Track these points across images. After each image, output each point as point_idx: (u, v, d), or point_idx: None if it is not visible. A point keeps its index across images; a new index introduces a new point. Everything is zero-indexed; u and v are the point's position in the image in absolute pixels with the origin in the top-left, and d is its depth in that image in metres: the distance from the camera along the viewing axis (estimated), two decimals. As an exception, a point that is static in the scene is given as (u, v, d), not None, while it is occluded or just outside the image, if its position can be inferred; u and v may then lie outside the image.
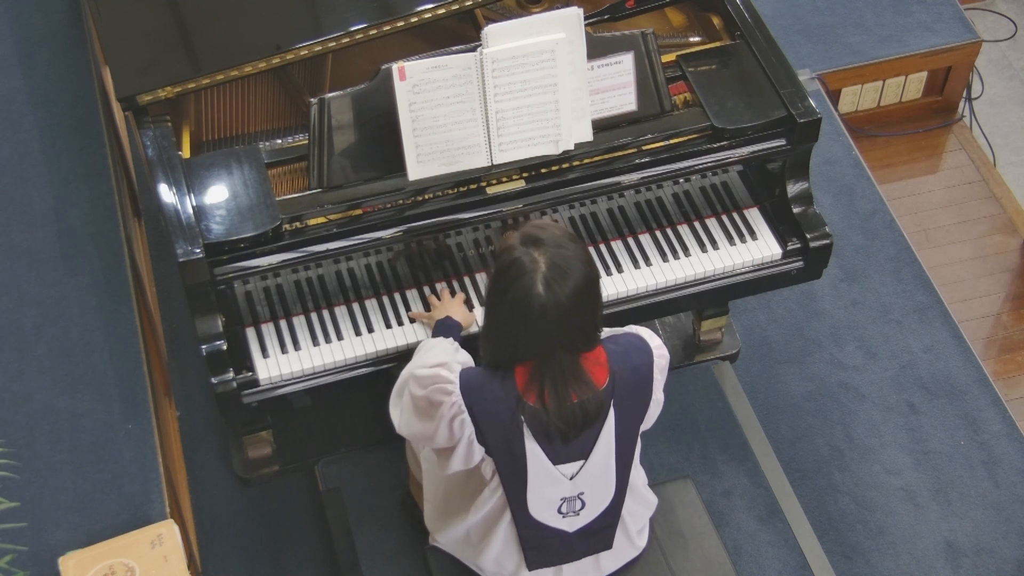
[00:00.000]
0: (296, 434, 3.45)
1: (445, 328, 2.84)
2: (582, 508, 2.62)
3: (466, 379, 2.50)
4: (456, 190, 2.93)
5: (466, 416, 2.48)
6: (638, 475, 2.72)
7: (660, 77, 3.03)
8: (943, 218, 4.32)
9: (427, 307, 3.01)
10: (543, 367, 2.45)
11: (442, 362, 2.55)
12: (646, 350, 2.57)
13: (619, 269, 3.09)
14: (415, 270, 3.03)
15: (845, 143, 4.22)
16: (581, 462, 2.56)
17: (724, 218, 3.18)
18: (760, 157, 3.07)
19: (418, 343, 2.93)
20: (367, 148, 2.91)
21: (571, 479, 2.57)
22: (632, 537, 2.75)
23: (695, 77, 3.09)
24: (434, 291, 3.02)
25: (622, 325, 2.71)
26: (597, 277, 2.47)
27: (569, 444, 2.52)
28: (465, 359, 2.65)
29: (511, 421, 2.48)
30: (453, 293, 3.01)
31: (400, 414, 2.63)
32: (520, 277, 2.39)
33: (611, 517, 2.67)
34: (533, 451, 2.51)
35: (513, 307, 2.41)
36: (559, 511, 2.61)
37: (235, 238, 2.80)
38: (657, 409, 2.64)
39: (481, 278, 3.06)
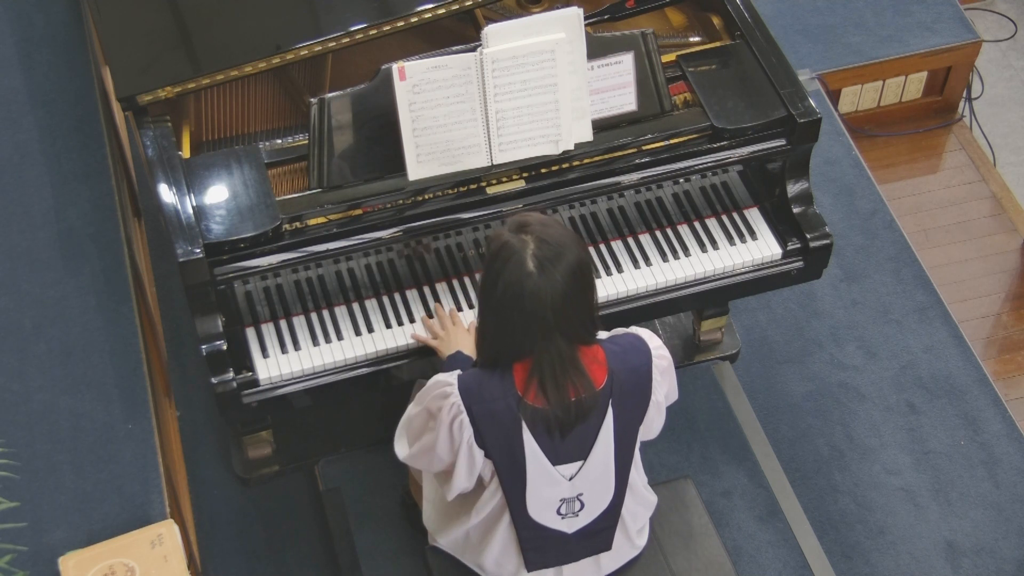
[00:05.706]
0: (296, 434, 3.45)
1: (455, 363, 2.75)
2: (581, 509, 2.62)
3: (464, 381, 2.50)
4: (456, 190, 2.93)
5: (465, 417, 2.48)
6: (638, 475, 2.72)
7: (660, 77, 3.03)
8: (943, 218, 4.32)
9: (428, 313, 3.00)
10: (541, 356, 2.43)
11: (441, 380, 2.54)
12: (645, 351, 2.57)
13: (619, 269, 3.09)
14: (415, 270, 3.03)
15: (845, 143, 4.22)
16: (580, 463, 2.56)
17: (724, 218, 3.18)
18: (760, 157, 3.07)
19: (416, 343, 2.94)
20: (367, 148, 2.91)
21: (570, 480, 2.57)
22: (632, 537, 2.75)
23: (695, 77, 3.09)
24: (434, 291, 3.02)
25: (622, 325, 2.70)
26: (589, 260, 2.45)
27: (567, 442, 2.52)
28: None
29: (511, 420, 2.48)
30: (454, 294, 3.01)
31: (402, 442, 2.64)
32: (510, 258, 2.38)
33: (611, 518, 2.67)
34: (532, 451, 2.51)
35: (506, 293, 2.39)
36: (558, 512, 2.61)
37: (235, 238, 2.80)
38: (659, 415, 2.63)
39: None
